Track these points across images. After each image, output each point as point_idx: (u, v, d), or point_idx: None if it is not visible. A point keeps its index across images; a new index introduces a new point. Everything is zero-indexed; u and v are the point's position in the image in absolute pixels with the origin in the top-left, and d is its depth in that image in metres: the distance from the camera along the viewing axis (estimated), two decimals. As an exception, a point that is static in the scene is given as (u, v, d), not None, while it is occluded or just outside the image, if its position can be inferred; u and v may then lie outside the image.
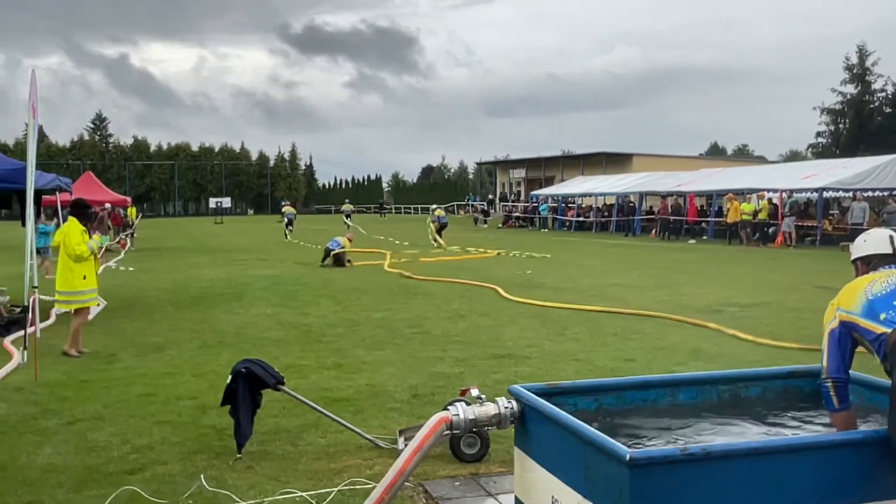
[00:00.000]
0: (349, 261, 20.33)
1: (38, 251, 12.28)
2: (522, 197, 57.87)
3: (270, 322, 11.13)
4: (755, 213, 29.22)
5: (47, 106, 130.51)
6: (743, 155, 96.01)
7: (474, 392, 4.12)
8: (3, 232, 33.41)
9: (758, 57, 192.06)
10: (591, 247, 28.15)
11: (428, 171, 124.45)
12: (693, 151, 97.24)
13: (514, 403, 3.79)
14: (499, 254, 24.19)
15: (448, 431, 3.87)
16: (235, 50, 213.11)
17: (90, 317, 10.07)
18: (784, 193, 29.38)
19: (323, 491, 4.63)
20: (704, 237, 32.22)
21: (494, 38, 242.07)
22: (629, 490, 2.81)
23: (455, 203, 75.90)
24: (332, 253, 20.28)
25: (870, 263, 3.63)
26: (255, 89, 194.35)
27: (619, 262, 21.10)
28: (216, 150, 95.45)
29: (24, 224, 10.16)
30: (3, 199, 15.11)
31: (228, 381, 5.38)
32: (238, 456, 5.24)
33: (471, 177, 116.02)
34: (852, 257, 3.78)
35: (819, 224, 27.76)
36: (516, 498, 3.88)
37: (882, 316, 3.24)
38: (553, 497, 3.41)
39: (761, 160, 67.85)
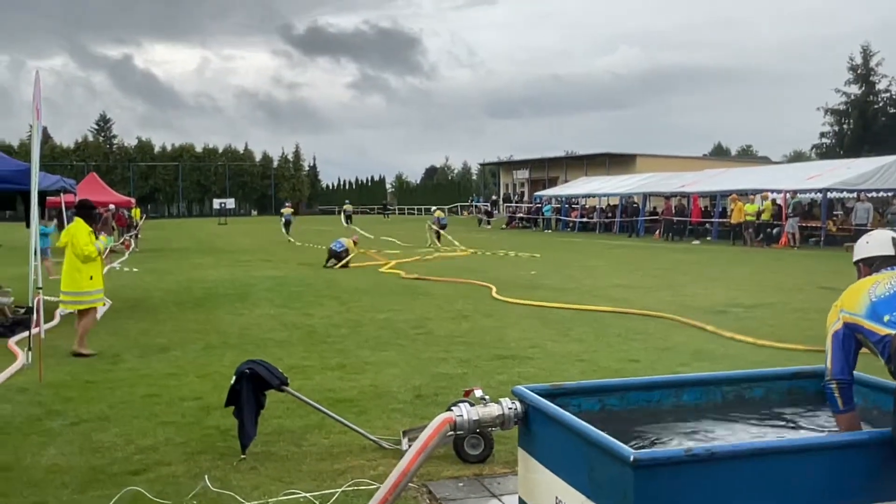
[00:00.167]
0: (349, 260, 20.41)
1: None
2: (526, 198, 57.86)
3: (274, 323, 11.14)
4: (759, 214, 29.19)
5: (51, 107, 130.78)
6: (747, 155, 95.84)
7: (478, 393, 4.12)
8: (8, 233, 33.48)
9: (762, 57, 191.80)
10: (595, 247, 28.13)
11: (431, 172, 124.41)
12: (697, 152, 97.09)
13: (518, 404, 3.79)
14: (475, 252, 25.13)
15: (452, 432, 3.87)
16: (239, 51, 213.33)
17: (97, 316, 10.08)
18: (788, 194, 29.33)
19: (327, 492, 4.63)
20: (708, 238, 32.19)
21: (497, 39, 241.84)
22: (633, 491, 2.81)
23: (459, 204, 75.98)
24: (335, 253, 20.33)
25: (872, 265, 3.63)
26: (258, 90, 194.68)
27: (623, 263, 21.09)
28: (220, 151, 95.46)
29: (28, 225, 10.19)
30: (8, 201, 15.15)
31: (232, 381, 5.39)
32: (242, 457, 5.25)
33: (474, 178, 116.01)
34: (854, 259, 3.78)
35: (823, 225, 27.69)
36: (520, 499, 3.88)
37: (886, 318, 3.23)
38: (557, 498, 3.41)
39: (765, 161, 67.74)
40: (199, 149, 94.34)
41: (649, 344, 9.28)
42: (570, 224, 42.54)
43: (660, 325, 10.59)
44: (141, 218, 33.93)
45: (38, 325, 8.65)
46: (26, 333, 9.06)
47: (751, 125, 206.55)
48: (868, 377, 3.96)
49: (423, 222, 38.70)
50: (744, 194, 30.26)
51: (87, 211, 9.34)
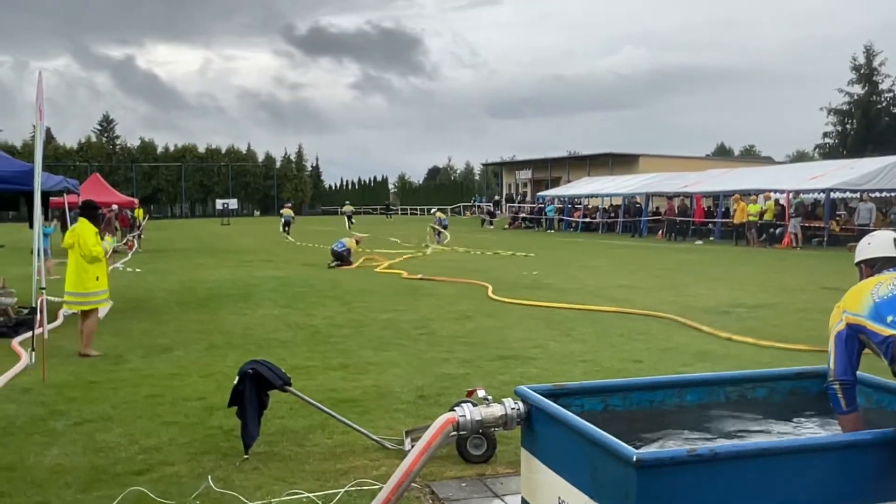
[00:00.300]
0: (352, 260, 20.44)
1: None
2: (529, 198, 57.81)
3: (277, 323, 11.15)
4: (761, 214, 29.14)
5: (54, 108, 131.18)
6: (750, 155, 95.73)
7: (481, 393, 4.12)
8: (11, 234, 33.55)
9: (764, 57, 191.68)
10: (598, 248, 28.12)
11: (434, 173, 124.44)
12: (700, 152, 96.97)
13: (521, 404, 3.79)
14: (453, 249, 26.06)
15: (455, 432, 3.87)
16: (241, 52, 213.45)
17: (100, 315, 10.10)
18: (791, 194, 29.29)
19: (330, 492, 4.64)
20: (711, 238, 32.15)
21: (499, 40, 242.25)
22: (636, 491, 2.81)
23: (461, 204, 75.97)
24: (337, 254, 20.36)
25: (874, 266, 3.63)
26: (260, 91, 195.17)
27: (626, 263, 21.07)
28: (223, 151, 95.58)
29: (31, 226, 10.22)
30: (11, 201, 15.19)
31: (235, 382, 5.39)
32: (245, 457, 5.26)
33: (477, 178, 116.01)
34: (856, 260, 3.78)
35: (826, 225, 27.65)
36: (523, 499, 3.88)
37: (889, 318, 3.23)
38: (560, 498, 3.41)
39: (768, 161, 67.69)
40: (201, 149, 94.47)
41: (652, 344, 9.27)
42: (573, 224, 42.50)
43: (662, 326, 10.59)
44: (144, 218, 33.98)
45: (41, 325, 8.66)
46: (30, 334, 9.08)
47: (754, 125, 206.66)
48: (871, 377, 3.96)
49: (425, 223, 38.76)
50: (747, 194, 30.22)
51: (91, 211, 9.32)
